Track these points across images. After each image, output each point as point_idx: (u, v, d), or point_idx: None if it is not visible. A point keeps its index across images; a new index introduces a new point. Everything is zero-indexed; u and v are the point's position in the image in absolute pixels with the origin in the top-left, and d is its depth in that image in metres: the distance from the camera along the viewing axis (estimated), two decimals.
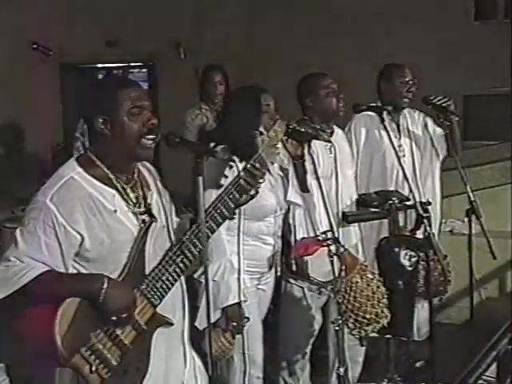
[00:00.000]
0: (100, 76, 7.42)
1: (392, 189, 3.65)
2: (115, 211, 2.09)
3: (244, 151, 2.86)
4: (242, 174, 2.27)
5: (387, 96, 3.82)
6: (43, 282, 1.99)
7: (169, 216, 2.29)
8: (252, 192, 2.31)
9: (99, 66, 7.30)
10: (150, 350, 2.15)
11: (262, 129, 2.56)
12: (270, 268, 3.05)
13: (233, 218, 2.35)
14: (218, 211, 2.23)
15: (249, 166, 2.29)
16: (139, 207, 2.16)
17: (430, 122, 3.97)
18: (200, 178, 2.16)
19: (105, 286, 2.00)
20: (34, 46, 4.74)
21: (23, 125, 5.49)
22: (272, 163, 2.84)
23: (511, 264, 4.66)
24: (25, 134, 5.46)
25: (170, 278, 2.17)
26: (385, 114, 3.48)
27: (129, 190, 2.15)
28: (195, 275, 2.89)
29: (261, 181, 2.31)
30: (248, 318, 2.85)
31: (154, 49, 6.88)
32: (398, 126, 3.86)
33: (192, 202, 2.82)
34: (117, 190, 2.12)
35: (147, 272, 2.14)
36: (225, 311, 2.82)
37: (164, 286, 2.16)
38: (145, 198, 2.20)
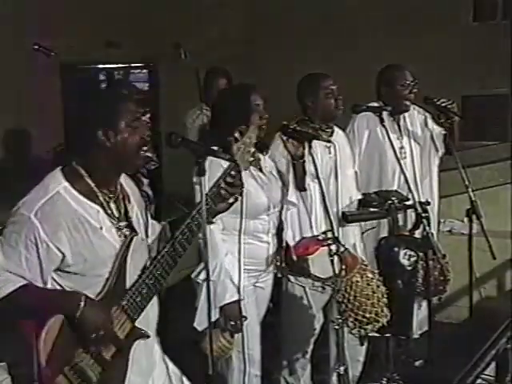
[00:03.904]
0: (101, 77, 7.43)
1: (394, 189, 3.67)
2: (101, 228, 2.07)
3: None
4: (219, 182, 2.25)
5: (389, 99, 3.80)
6: (20, 297, 1.97)
7: (147, 229, 2.27)
8: (231, 200, 2.28)
9: (100, 66, 7.31)
10: (128, 365, 2.14)
11: (237, 135, 2.57)
12: (268, 266, 3.06)
13: (212, 223, 2.35)
14: (196, 222, 2.19)
15: (225, 176, 2.27)
16: (121, 221, 2.14)
17: (429, 119, 3.98)
18: (202, 178, 2.17)
19: (81, 304, 1.99)
20: (35, 47, 4.73)
21: (24, 125, 5.50)
22: (245, 169, 2.85)
23: (511, 263, 4.67)
24: (25, 134, 5.47)
25: (149, 292, 2.15)
26: (385, 114, 3.50)
27: (112, 205, 2.13)
28: (192, 275, 2.92)
29: (238, 190, 2.27)
30: (246, 317, 2.86)
31: (154, 49, 6.89)
32: (399, 126, 3.88)
33: (192, 202, 2.85)
34: (101, 205, 2.09)
35: (127, 286, 2.12)
36: (223, 310, 2.83)
37: (143, 301, 2.14)
38: (126, 211, 2.18)
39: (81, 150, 2.09)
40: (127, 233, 2.13)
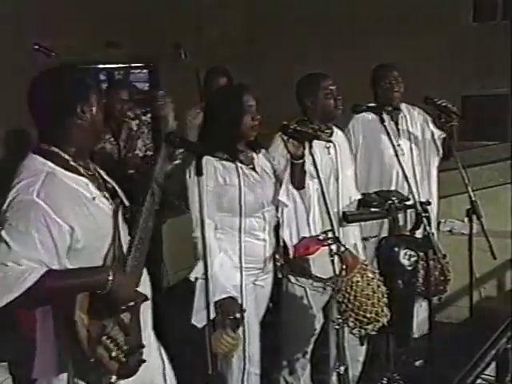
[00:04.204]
0: (101, 77, 7.43)
1: (393, 189, 3.68)
2: (93, 198, 2.12)
3: (226, 150, 2.91)
4: (164, 144, 2.34)
5: (379, 98, 3.87)
6: (46, 283, 1.97)
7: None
8: (176, 162, 2.41)
9: (100, 66, 7.31)
10: (141, 327, 2.21)
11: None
12: (265, 264, 3.06)
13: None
14: (157, 184, 2.29)
15: (171, 136, 2.37)
16: (105, 191, 2.21)
17: (430, 121, 3.99)
18: (201, 178, 2.19)
19: (110, 277, 2.03)
20: (36, 47, 4.73)
21: (23, 125, 5.50)
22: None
23: (511, 263, 4.68)
24: (25, 134, 5.46)
25: (142, 256, 2.21)
26: (384, 113, 3.51)
27: (93, 177, 2.20)
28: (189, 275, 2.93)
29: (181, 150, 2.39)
30: (244, 309, 2.87)
31: (154, 49, 6.89)
32: (397, 125, 3.88)
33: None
34: (87, 178, 2.16)
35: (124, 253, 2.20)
36: (219, 307, 2.83)
37: (140, 265, 2.20)
38: (104, 181, 2.25)
39: (56, 127, 2.14)
40: (111, 201, 2.20)
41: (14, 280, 1.94)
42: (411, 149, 3.91)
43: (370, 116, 3.81)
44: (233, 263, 2.94)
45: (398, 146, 3.78)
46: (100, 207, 2.14)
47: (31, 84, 2.15)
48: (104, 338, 2.03)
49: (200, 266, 2.84)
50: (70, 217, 2.03)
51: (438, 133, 3.93)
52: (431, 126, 3.97)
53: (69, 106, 2.13)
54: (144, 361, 2.15)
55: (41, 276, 1.96)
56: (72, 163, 2.13)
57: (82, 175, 2.14)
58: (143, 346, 2.17)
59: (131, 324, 2.15)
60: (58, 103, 2.13)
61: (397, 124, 3.88)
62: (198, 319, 2.85)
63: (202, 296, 2.88)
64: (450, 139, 3.81)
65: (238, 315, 2.84)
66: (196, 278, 2.88)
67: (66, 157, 2.12)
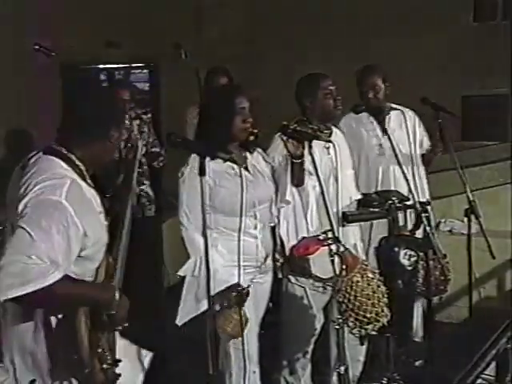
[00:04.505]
0: (102, 77, 7.42)
1: (378, 189, 3.71)
2: (100, 212, 2.17)
3: (216, 151, 2.91)
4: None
5: (362, 100, 3.89)
6: (61, 287, 1.98)
7: None
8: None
9: (101, 66, 7.30)
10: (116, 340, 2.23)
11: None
12: (259, 262, 3.06)
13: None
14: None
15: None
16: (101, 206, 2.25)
17: (422, 125, 4.00)
18: (203, 178, 2.19)
19: (117, 296, 2.06)
20: (36, 47, 4.73)
21: (24, 125, 5.50)
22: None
23: (511, 263, 4.68)
24: (25, 134, 5.46)
25: (123, 267, 2.25)
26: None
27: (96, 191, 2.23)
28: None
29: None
30: (245, 288, 2.87)
31: (154, 49, 6.89)
32: (383, 125, 3.88)
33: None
34: (95, 191, 2.19)
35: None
36: (219, 297, 2.83)
37: (122, 275, 2.24)
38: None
39: (83, 140, 2.17)
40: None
41: (35, 274, 1.93)
42: (398, 148, 3.89)
43: (358, 116, 3.84)
44: (224, 262, 2.94)
45: (381, 145, 3.81)
46: (102, 222, 2.18)
47: (82, 91, 2.25)
48: (100, 350, 2.05)
49: (191, 263, 2.87)
50: (86, 224, 2.05)
51: (426, 139, 3.96)
52: (423, 128, 3.99)
53: (105, 128, 2.19)
54: (119, 375, 2.14)
55: (60, 278, 1.97)
56: (86, 175, 2.17)
57: (92, 188, 2.18)
58: (120, 361, 2.16)
59: (113, 337, 2.17)
60: (97, 123, 2.18)
61: (383, 124, 3.88)
62: (182, 316, 2.89)
63: (189, 294, 2.89)
64: (437, 142, 3.82)
65: (239, 288, 2.84)
66: (185, 276, 2.90)
67: (82, 166, 2.15)
